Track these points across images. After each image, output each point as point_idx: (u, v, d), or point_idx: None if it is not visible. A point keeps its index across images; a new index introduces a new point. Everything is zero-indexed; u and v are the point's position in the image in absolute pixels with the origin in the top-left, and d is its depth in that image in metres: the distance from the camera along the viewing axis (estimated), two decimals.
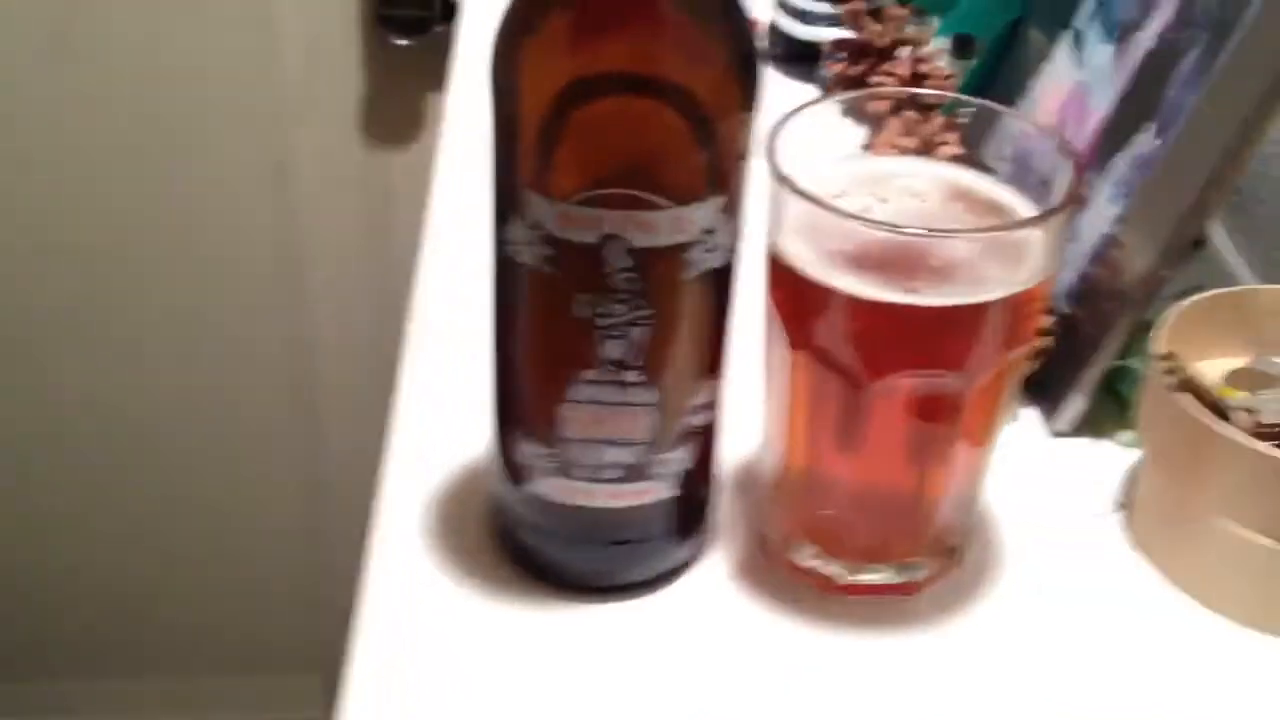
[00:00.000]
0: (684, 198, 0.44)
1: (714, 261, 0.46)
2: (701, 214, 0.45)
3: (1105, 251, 0.62)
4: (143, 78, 1.22)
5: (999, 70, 0.78)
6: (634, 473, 0.49)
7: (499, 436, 0.51)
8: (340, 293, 1.34)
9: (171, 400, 1.37)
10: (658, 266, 0.45)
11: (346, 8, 1.23)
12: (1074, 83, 0.69)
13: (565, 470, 0.49)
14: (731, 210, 0.46)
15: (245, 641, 1.49)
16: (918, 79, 0.74)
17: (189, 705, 1.50)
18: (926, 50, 0.77)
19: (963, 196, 0.51)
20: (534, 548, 0.52)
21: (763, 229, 0.49)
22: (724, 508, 0.56)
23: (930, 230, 0.47)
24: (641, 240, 0.44)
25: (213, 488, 1.42)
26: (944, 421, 0.49)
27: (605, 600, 0.52)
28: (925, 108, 0.72)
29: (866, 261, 0.46)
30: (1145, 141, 0.61)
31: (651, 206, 0.44)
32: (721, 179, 0.45)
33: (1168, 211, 0.58)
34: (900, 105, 0.69)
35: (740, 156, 0.46)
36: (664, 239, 0.45)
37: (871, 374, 0.47)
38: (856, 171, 0.51)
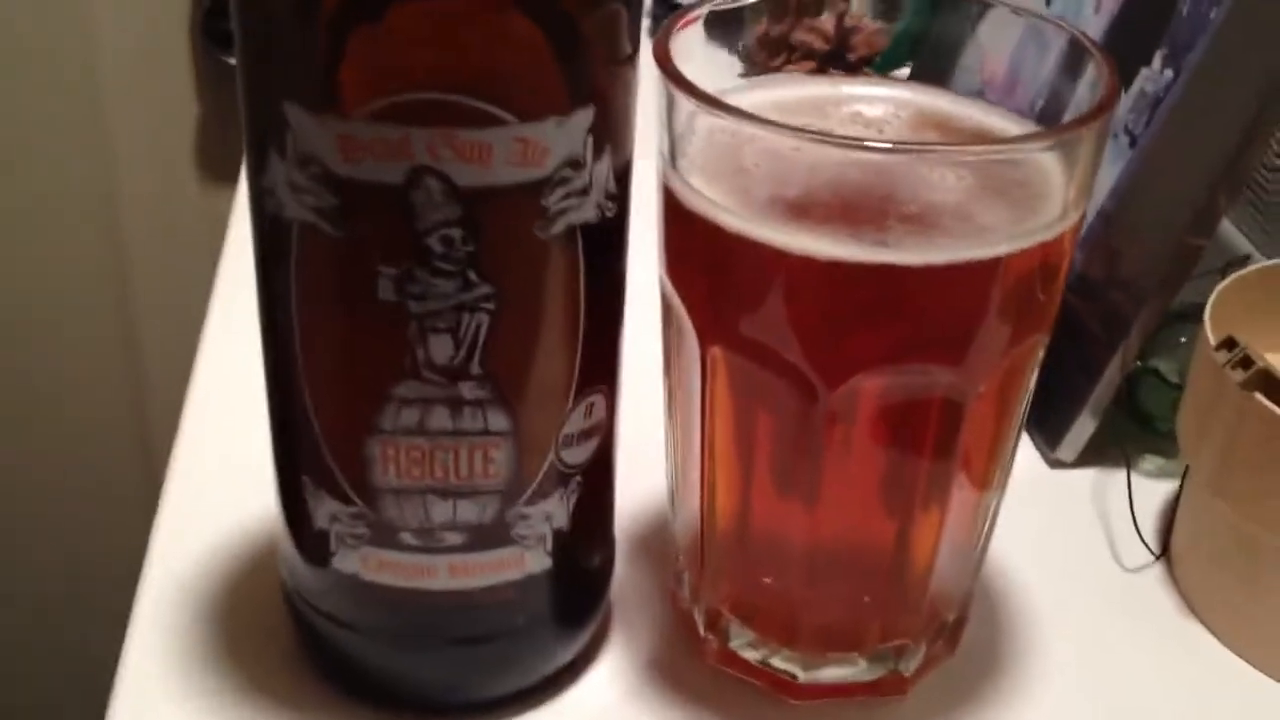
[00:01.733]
0: (533, 109, 0.29)
1: (584, 212, 0.31)
2: (560, 134, 0.29)
3: (1103, 226, 0.47)
4: None
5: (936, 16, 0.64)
6: (485, 535, 0.33)
7: (285, 495, 0.35)
8: (176, 338, 1.17)
9: None
10: (498, 218, 0.30)
11: (172, 19, 1.07)
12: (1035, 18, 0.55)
13: (383, 537, 0.33)
14: (607, 133, 0.31)
15: None
16: (845, 36, 0.60)
17: None
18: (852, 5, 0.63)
19: (937, 124, 0.36)
20: (348, 653, 0.36)
21: (654, 168, 0.34)
22: (626, 581, 0.40)
23: (914, 146, 0.32)
24: (470, 176, 0.29)
25: (42, 535, 1.23)
26: (935, 443, 0.33)
27: None
28: (850, 67, 0.58)
29: (812, 209, 0.31)
30: (1152, 76, 0.47)
31: (484, 121, 0.29)
32: (590, 85, 0.30)
33: (1195, 161, 0.44)
34: (822, 69, 0.55)
35: (617, 60, 0.31)
36: (505, 174, 0.29)
37: (829, 376, 0.32)
38: (785, 96, 0.36)
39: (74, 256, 1.12)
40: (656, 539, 0.42)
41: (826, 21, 0.63)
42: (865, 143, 0.31)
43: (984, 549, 0.38)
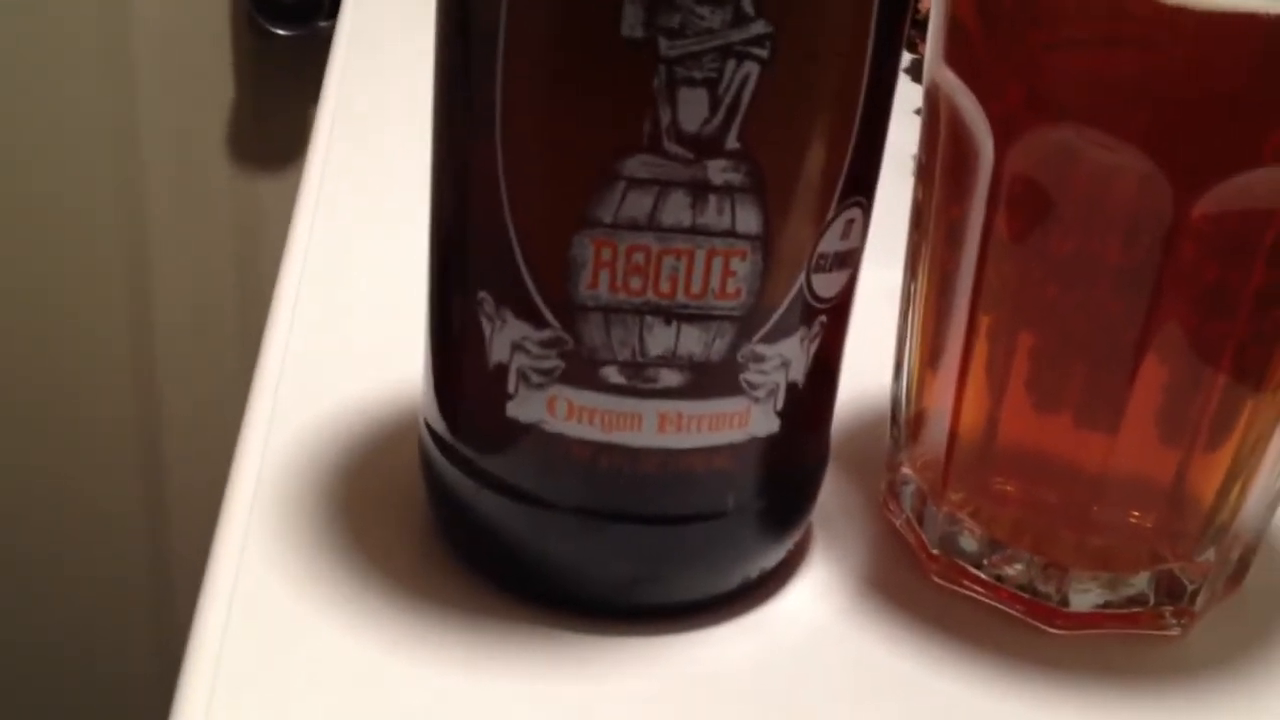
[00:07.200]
0: None
1: None
2: None
3: None
4: None
5: None
6: (708, 377, 0.26)
7: (448, 321, 0.28)
8: (198, 344, 1.09)
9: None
10: None
11: None
12: None
13: (580, 373, 0.26)
14: None
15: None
16: None
17: None
18: None
19: None
20: (511, 536, 0.28)
21: None
22: (825, 489, 0.33)
23: None
24: None
25: (44, 550, 1.15)
26: None
27: (639, 632, 0.28)
28: None
29: None
30: None
31: None
32: None
33: None
34: None
35: None
36: None
37: (1191, 174, 0.25)
38: None
39: (93, 236, 1.05)
40: (853, 446, 0.35)
41: None
42: None
43: None
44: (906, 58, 0.35)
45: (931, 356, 0.31)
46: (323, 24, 1.01)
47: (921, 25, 0.44)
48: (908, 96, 0.30)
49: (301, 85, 1.03)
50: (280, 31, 1.02)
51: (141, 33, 1.00)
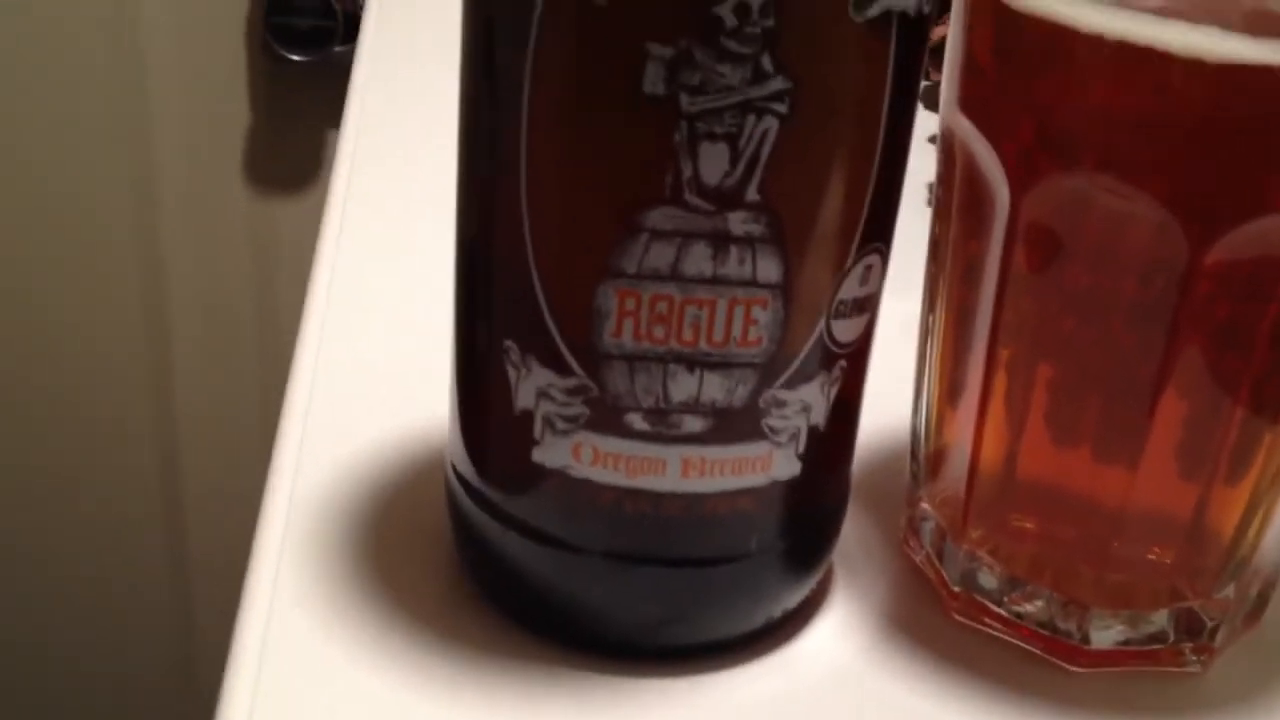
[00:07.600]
0: None
1: None
2: None
3: None
4: None
5: None
6: (731, 423, 0.27)
7: (474, 368, 0.28)
8: (216, 367, 1.10)
9: (20, 500, 1.12)
10: None
11: (231, 18, 1.01)
12: None
13: (605, 420, 0.26)
14: None
15: None
16: None
17: None
18: None
19: None
20: (538, 579, 0.29)
21: None
22: (855, 519, 0.33)
23: None
24: None
25: (69, 577, 1.15)
26: None
27: (665, 673, 0.29)
28: None
29: (1172, 13, 0.25)
30: None
31: None
32: None
33: None
34: None
35: None
36: None
37: (1209, 218, 0.25)
38: None
39: (111, 261, 1.06)
40: (873, 481, 0.35)
41: None
42: None
43: None
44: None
45: (950, 391, 0.32)
46: (337, 49, 1.02)
47: (935, 52, 0.45)
48: (922, 123, 0.30)
49: (317, 110, 1.04)
50: (295, 57, 1.03)
51: (157, 60, 1.01)
